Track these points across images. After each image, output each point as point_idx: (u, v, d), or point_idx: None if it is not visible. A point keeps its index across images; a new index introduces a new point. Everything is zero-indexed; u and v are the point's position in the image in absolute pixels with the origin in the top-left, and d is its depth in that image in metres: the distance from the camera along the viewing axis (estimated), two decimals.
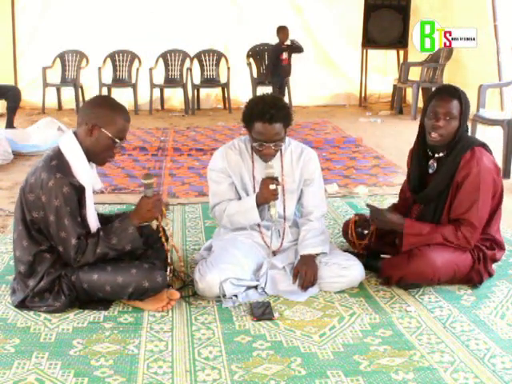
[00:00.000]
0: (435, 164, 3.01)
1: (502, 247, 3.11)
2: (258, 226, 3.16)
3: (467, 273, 2.99)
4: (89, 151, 2.70)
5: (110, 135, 2.67)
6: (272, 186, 2.94)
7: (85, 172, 2.69)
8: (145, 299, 2.76)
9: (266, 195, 2.96)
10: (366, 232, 3.16)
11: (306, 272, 2.96)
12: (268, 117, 2.85)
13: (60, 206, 2.60)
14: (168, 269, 2.90)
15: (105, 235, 2.69)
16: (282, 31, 8.32)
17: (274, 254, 3.15)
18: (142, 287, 2.69)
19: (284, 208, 3.13)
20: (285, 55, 8.29)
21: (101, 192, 4.70)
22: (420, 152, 3.06)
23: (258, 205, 3.00)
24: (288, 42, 8.33)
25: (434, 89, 3.21)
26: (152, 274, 2.72)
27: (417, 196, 3.08)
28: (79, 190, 2.66)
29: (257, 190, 3.04)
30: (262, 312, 2.76)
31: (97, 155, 2.72)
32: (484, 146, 2.99)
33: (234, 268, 2.92)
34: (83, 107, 2.77)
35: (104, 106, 2.74)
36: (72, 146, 2.69)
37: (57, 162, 2.64)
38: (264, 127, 2.88)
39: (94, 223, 2.76)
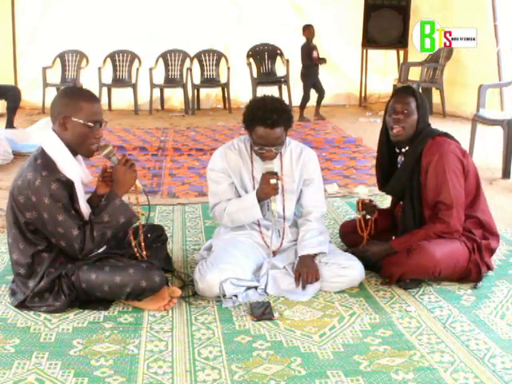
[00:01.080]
0: (403, 158, 3.14)
1: (494, 234, 3.13)
2: (258, 226, 3.16)
3: (466, 265, 3.01)
4: (71, 144, 2.70)
5: (81, 122, 2.66)
6: (273, 181, 2.94)
7: (70, 166, 2.69)
8: (143, 299, 2.76)
9: (267, 190, 2.96)
10: (368, 217, 3.26)
11: (306, 273, 2.96)
12: (270, 122, 2.86)
13: (51, 203, 2.60)
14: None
15: (96, 217, 2.70)
16: (308, 29, 8.18)
17: (274, 254, 3.15)
18: (140, 287, 2.69)
19: (283, 208, 3.13)
20: (315, 53, 8.16)
21: None
22: (386, 150, 3.21)
23: (259, 200, 3.00)
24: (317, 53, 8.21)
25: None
26: (150, 274, 2.71)
27: (384, 190, 3.27)
28: (68, 185, 2.66)
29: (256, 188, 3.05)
30: (262, 312, 2.75)
31: (79, 146, 2.71)
32: (446, 135, 3.13)
33: (234, 268, 2.92)
34: (51, 105, 2.78)
35: (66, 96, 2.75)
36: (53, 142, 2.69)
37: (41, 161, 2.65)
38: (266, 132, 2.88)
39: (87, 214, 2.76)
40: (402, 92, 3.14)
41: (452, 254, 2.95)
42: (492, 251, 3.13)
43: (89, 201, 2.89)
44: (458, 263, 2.98)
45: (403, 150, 3.13)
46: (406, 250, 2.96)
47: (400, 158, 3.16)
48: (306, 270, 2.97)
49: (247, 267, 3.00)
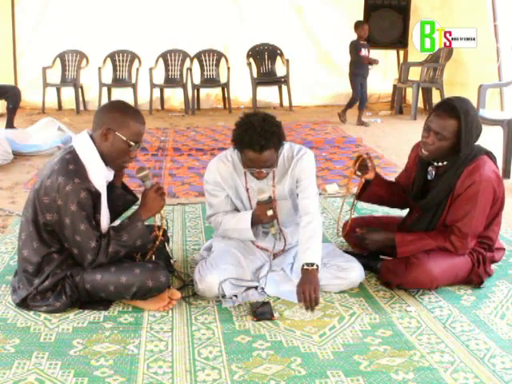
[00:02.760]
0: (433, 172, 3.01)
1: (500, 249, 3.12)
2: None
3: (467, 276, 3.00)
4: (105, 156, 2.70)
5: (124, 138, 2.66)
6: (269, 212, 2.95)
7: (101, 177, 2.69)
8: (147, 299, 2.77)
9: (265, 220, 2.99)
10: (359, 174, 3.16)
11: (309, 293, 2.75)
12: (258, 148, 2.79)
13: (76, 210, 2.60)
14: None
15: (115, 233, 2.71)
16: (361, 27, 7.90)
17: (274, 256, 3.14)
18: (146, 287, 2.70)
19: (278, 214, 3.11)
20: (364, 51, 7.87)
21: None
22: (420, 160, 3.05)
23: (253, 224, 3.01)
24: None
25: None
26: (155, 274, 2.72)
27: (416, 203, 3.08)
28: (95, 195, 2.66)
29: (251, 200, 3.05)
30: (262, 312, 2.75)
31: (113, 160, 2.72)
32: (488, 153, 2.97)
33: (234, 268, 2.92)
34: (98, 111, 2.77)
35: (117, 109, 2.74)
36: (89, 150, 2.68)
37: (74, 167, 2.63)
38: (254, 156, 2.82)
39: (105, 225, 2.76)
40: (444, 111, 2.81)
41: (451, 268, 2.92)
42: (494, 262, 3.13)
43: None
44: (457, 277, 2.97)
45: (436, 163, 2.96)
46: (404, 262, 2.92)
47: (431, 170, 3.00)
48: (308, 288, 2.75)
49: (247, 268, 2.99)
